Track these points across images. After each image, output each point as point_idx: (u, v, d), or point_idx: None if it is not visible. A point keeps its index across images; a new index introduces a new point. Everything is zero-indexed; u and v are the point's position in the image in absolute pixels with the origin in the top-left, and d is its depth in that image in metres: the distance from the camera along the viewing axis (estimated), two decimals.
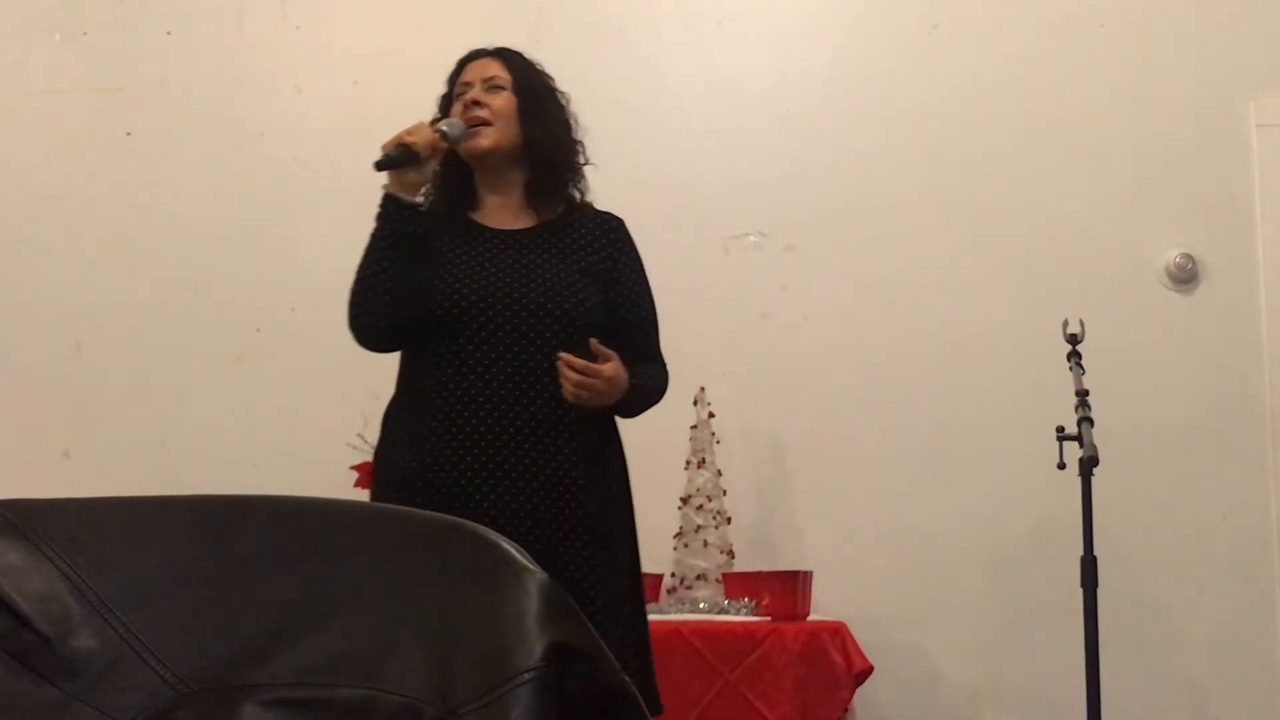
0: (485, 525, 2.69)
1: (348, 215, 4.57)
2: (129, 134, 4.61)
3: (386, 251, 2.87)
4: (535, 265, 2.92)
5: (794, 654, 3.61)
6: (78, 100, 4.64)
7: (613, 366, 2.80)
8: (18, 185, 4.61)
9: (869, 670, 3.77)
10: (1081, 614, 3.41)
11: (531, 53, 3.18)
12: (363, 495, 3.93)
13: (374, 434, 4.07)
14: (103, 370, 4.52)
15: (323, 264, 4.47)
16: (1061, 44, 4.55)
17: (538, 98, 3.03)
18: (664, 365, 3.07)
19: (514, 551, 1.13)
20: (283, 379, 4.48)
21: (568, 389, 2.77)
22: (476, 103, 2.97)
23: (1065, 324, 3.69)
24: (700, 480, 4.09)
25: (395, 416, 2.95)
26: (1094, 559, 3.43)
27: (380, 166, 2.84)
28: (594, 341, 2.80)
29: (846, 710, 3.76)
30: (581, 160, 3.07)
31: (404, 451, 2.86)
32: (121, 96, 4.63)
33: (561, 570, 2.74)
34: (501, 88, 3.00)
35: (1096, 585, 3.43)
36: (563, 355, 2.77)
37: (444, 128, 2.91)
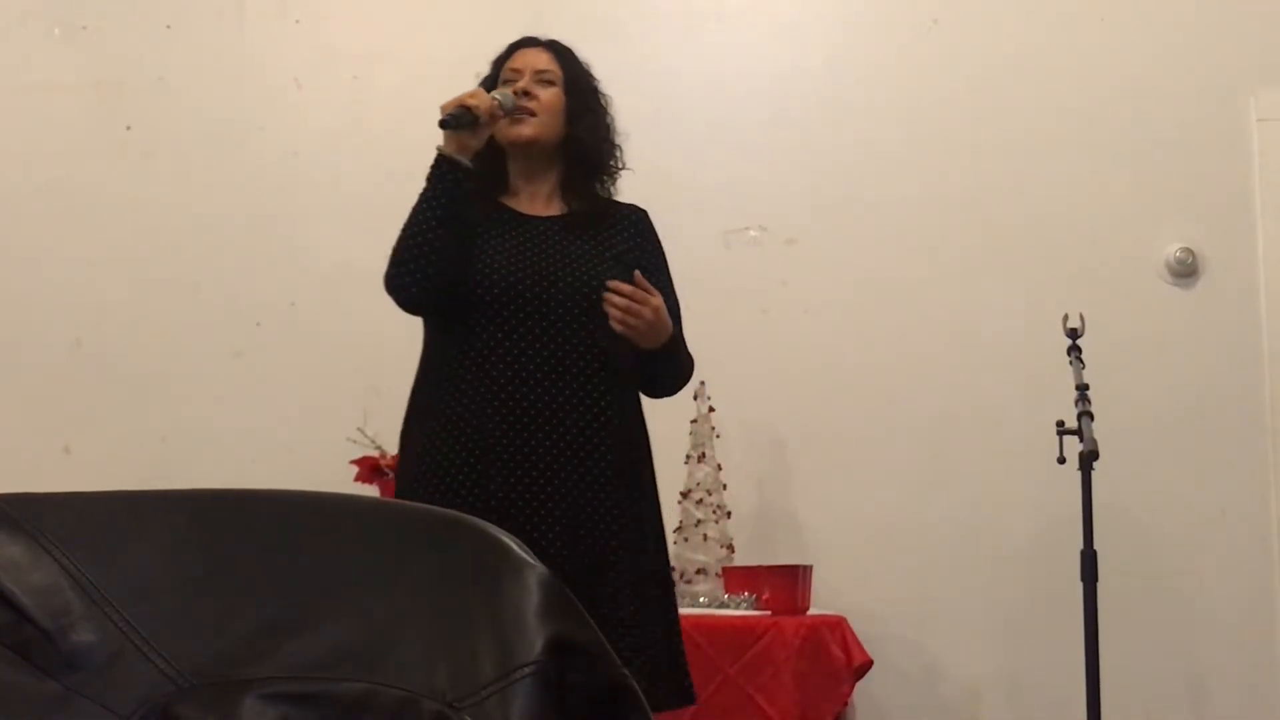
0: (518, 507, 2.70)
1: (348, 209, 4.60)
2: (129, 128, 4.61)
3: (438, 211, 2.89)
4: (571, 251, 2.97)
5: (794, 648, 3.62)
6: (77, 94, 4.64)
7: (659, 300, 2.87)
8: (17, 179, 4.61)
9: (869, 664, 3.78)
10: (1081, 608, 3.42)
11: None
12: (363, 490, 3.94)
13: (374, 428, 4.10)
14: (103, 365, 4.52)
15: (323, 258, 4.49)
16: (1061, 39, 4.55)
17: (585, 98, 3.10)
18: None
19: (514, 545, 1.13)
20: (283, 374, 4.49)
21: (615, 315, 2.83)
22: (527, 92, 3.02)
23: (1065, 318, 3.69)
24: (700, 474, 4.09)
25: (427, 398, 2.96)
26: (1094, 553, 3.43)
27: (445, 125, 2.88)
28: (638, 273, 2.87)
29: (847, 704, 3.77)
30: (617, 165, 3.14)
31: (439, 432, 2.87)
32: (121, 90, 4.63)
33: (589, 552, 2.81)
34: (552, 83, 3.06)
35: (1096, 579, 3.43)
36: (611, 281, 2.85)
37: (498, 97, 2.96)
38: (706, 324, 4.37)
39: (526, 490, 2.81)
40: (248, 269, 4.55)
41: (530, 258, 2.94)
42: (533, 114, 3.00)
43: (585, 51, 3.22)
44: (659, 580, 2.98)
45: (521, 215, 3.03)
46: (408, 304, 2.94)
